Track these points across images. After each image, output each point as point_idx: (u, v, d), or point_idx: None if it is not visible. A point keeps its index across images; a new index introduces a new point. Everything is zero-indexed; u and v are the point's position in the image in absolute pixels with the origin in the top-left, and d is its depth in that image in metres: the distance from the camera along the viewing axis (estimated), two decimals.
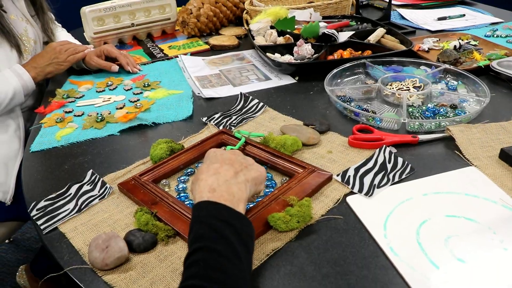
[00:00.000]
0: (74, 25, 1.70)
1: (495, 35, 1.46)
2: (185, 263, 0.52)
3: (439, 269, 0.60)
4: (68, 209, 0.75)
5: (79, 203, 0.76)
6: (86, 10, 1.47)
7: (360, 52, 1.34)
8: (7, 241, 1.83)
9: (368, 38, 1.40)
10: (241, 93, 1.13)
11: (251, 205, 0.72)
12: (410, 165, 0.82)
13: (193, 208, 0.58)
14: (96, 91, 1.23)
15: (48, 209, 0.75)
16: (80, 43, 1.46)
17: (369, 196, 0.75)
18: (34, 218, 0.73)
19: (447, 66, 1.15)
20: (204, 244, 0.52)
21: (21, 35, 1.26)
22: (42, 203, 0.76)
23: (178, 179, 0.83)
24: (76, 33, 1.61)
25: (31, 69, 1.19)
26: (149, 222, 0.68)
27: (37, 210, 0.75)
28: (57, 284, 1.20)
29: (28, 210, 0.75)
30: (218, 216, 0.56)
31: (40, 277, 1.47)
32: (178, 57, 1.44)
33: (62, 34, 1.51)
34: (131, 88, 1.23)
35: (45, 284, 1.40)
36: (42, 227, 0.71)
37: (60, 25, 1.57)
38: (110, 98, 1.18)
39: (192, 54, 1.48)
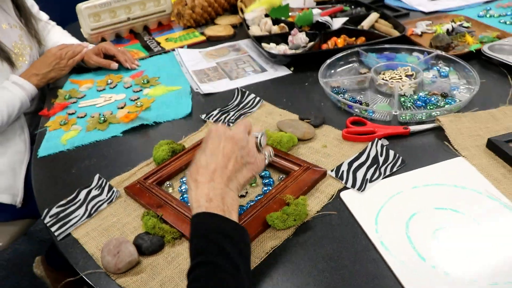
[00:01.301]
0: (71, 20, 1.70)
1: (488, 15, 1.48)
2: (188, 277, 0.55)
3: (426, 262, 0.65)
4: (78, 214, 0.80)
5: (89, 208, 0.81)
6: (82, 7, 1.49)
7: (354, 38, 1.36)
8: None
9: (362, 24, 1.42)
10: (237, 88, 1.16)
11: (251, 203, 0.77)
12: (401, 157, 0.86)
13: (192, 219, 0.61)
14: (97, 90, 1.27)
15: (60, 215, 0.80)
16: (77, 40, 1.48)
17: (361, 191, 0.79)
18: (48, 225, 0.78)
19: (438, 52, 1.18)
20: (204, 259, 0.55)
21: (16, 43, 1.27)
22: (54, 210, 0.81)
23: (181, 180, 0.87)
24: (73, 29, 1.62)
25: (33, 76, 1.22)
26: (155, 225, 0.73)
27: (50, 217, 0.79)
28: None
29: (42, 217, 0.80)
30: (216, 229, 0.59)
31: (55, 268, 1.54)
32: (175, 50, 1.46)
33: (56, 33, 1.51)
34: (131, 86, 1.27)
35: (63, 276, 1.47)
36: (56, 233, 0.76)
37: (54, 23, 1.56)
38: (111, 97, 1.21)
39: (189, 46, 1.50)
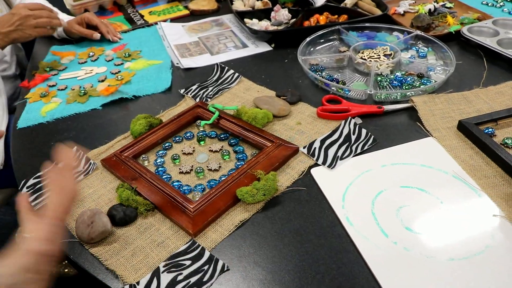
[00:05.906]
0: None
1: None
2: None
3: (388, 238, 0.68)
4: None
5: None
6: None
7: (336, 16, 1.36)
8: None
9: (345, 2, 1.41)
10: (217, 64, 1.17)
11: (223, 178, 0.79)
12: (373, 136, 0.88)
13: None
14: (79, 63, 1.26)
15: (37, 186, 0.81)
16: (53, 8, 1.40)
17: (332, 168, 0.81)
18: None
19: (418, 32, 1.19)
20: None
21: None
22: (31, 181, 0.82)
23: (157, 154, 0.89)
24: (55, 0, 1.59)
25: None
26: (129, 197, 0.75)
27: (27, 188, 0.81)
28: None
29: (19, 188, 0.81)
30: None
31: None
32: (157, 24, 1.45)
33: None
34: (112, 59, 1.26)
35: None
36: (33, 204, 0.77)
37: None
38: (92, 70, 1.21)
39: (172, 20, 1.49)
